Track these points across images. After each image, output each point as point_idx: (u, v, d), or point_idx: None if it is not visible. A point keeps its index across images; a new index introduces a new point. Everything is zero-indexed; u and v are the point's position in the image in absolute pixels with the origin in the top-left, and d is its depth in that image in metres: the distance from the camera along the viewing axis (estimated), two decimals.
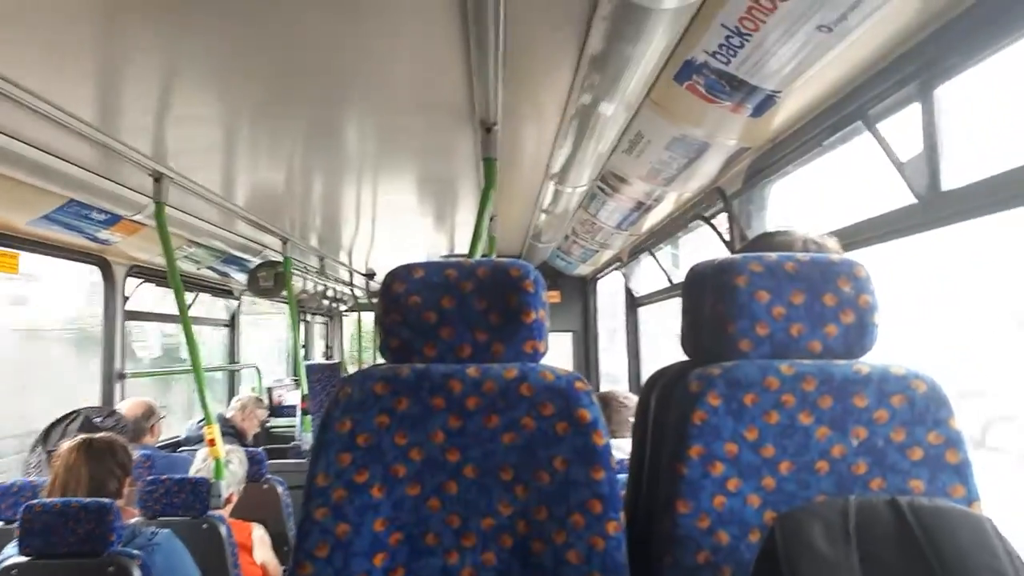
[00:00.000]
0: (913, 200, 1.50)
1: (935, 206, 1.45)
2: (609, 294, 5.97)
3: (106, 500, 2.08)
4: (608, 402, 2.64)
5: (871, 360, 1.18)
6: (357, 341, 8.42)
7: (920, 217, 1.50)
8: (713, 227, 2.68)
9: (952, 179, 1.41)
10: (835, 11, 1.33)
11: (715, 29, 1.55)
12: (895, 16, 1.34)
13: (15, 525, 2.06)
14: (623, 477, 1.42)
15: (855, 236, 1.73)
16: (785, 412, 1.14)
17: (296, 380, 5.09)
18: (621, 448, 2.13)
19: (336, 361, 6.55)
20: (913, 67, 1.44)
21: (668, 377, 1.31)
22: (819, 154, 1.94)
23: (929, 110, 1.44)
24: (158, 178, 2.74)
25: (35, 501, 2.07)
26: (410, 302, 1.23)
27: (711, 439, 1.14)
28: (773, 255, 1.21)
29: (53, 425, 3.06)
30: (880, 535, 0.86)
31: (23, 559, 2.03)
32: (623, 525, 1.17)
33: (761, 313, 1.17)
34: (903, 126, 1.54)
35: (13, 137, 2.26)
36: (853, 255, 1.35)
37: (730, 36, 1.54)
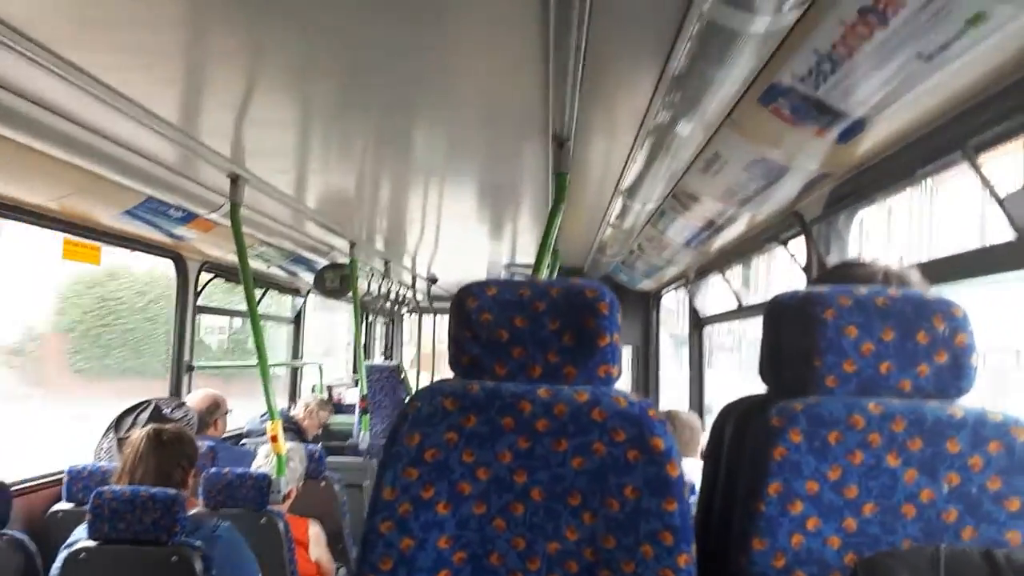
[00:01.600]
0: (1012, 236, 1.42)
1: None
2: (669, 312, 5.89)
3: (173, 491, 2.13)
4: (672, 422, 2.59)
5: (966, 403, 1.13)
6: (416, 345, 8.49)
7: (1021, 254, 1.42)
8: (789, 252, 2.61)
9: None
10: (937, 40, 1.27)
11: (805, 54, 1.50)
12: (1002, 46, 1.27)
13: (86, 507, 2.13)
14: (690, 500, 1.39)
15: (946, 269, 1.66)
16: (871, 452, 1.09)
17: (356, 379, 5.16)
18: (687, 470, 2.08)
19: (395, 363, 6.62)
20: (1020, 98, 1.37)
21: (744, 408, 1.28)
22: (909, 183, 1.86)
23: None
24: (235, 179, 2.81)
25: (105, 487, 2.14)
26: (482, 319, 1.23)
27: (791, 476, 1.10)
28: (863, 288, 1.16)
29: (125, 413, 3.16)
30: None
31: (92, 543, 2.10)
32: (694, 558, 1.14)
33: (849, 349, 1.13)
34: (1005, 160, 1.47)
35: (101, 135, 2.34)
36: (943, 290, 1.28)
37: (821, 62, 1.49)
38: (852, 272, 1.34)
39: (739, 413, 1.29)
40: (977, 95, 1.46)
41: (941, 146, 1.61)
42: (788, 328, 1.18)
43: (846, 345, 1.13)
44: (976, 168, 1.51)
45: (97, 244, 3.22)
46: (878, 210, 2.11)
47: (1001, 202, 1.44)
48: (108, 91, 1.94)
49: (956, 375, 1.12)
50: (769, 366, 1.23)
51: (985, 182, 1.49)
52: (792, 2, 1.29)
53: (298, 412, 4.76)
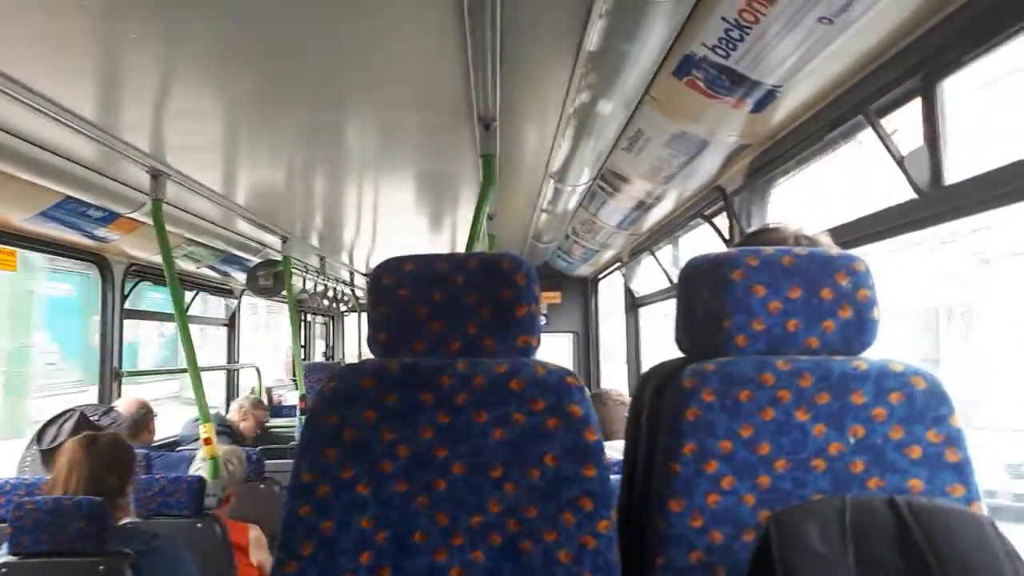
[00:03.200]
0: (914, 195, 1.48)
1: (937, 201, 1.42)
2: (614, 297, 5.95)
3: (98, 498, 2.05)
4: (604, 401, 2.61)
5: (870, 356, 1.16)
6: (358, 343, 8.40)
7: (922, 212, 1.48)
8: (713, 225, 2.66)
9: (954, 174, 1.39)
10: (837, 2, 1.31)
11: (714, 22, 1.53)
12: (897, 8, 1.32)
13: (6, 524, 2.04)
14: (617, 478, 1.40)
15: (856, 232, 1.71)
16: (781, 409, 1.11)
17: (295, 380, 5.07)
18: (616, 448, 2.10)
19: (336, 361, 6.53)
20: (915, 60, 1.41)
21: (662, 374, 1.29)
22: (820, 150, 1.92)
23: (931, 104, 1.42)
24: (156, 175, 2.73)
25: (26, 499, 2.05)
26: (399, 295, 1.21)
27: (705, 436, 1.11)
28: (770, 249, 1.18)
29: (49, 423, 3.04)
30: (877, 535, 0.84)
31: (13, 559, 2.01)
32: (615, 524, 1.14)
33: (757, 308, 1.15)
34: (905, 121, 1.52)
35: (9, 132, 2.25)
36: (856, 252, 1.32)
37: (730, 29, 1.52)
38: (765, 237, 1.37)
39: (657, 378, 1.30)
40: (876, 58, 1.51)
41: (846, 111, 1.66)
42: (699, 291, 1.19)
43: (754, 304, 1.15)
44: (878, 131, 1.56)
45: (12, 249, 3.08)
46: (796, 178, 2.16)
47: (901, 163, 1.49)
48: (13, 84, 1.86)
49: (860, 330, 1.15)
50: (684, 330, 1.25)
51: (887, 144, 1.54)
52: None
53: (232, 414, 4.64)
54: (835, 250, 1.23)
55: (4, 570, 2.00)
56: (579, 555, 1.12)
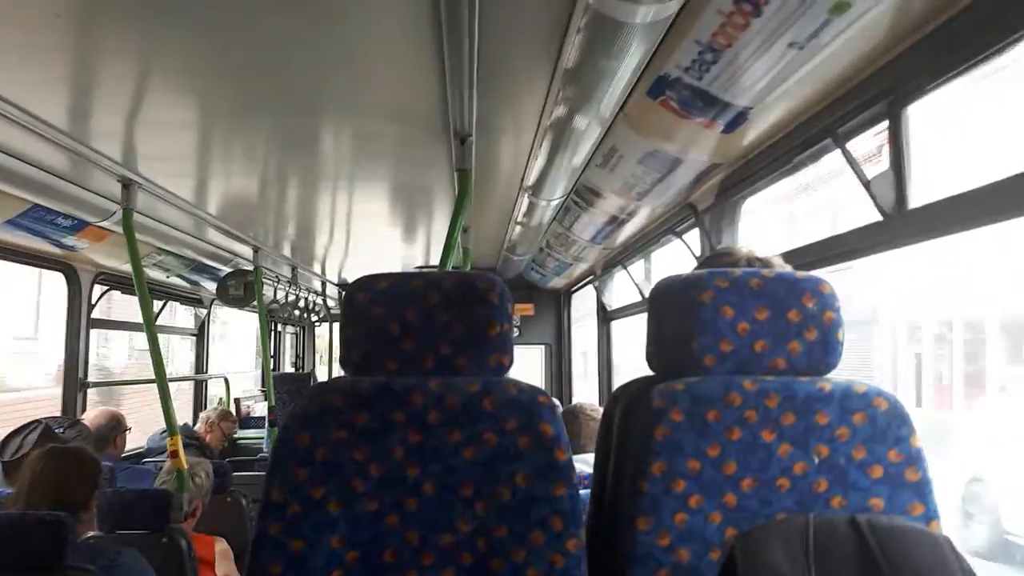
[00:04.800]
0: (879, 218, 1.51)
1: (901, 224, 1.46)
2: (587, 309, 5.98)
3: (61, 513, 2.01)
4: (576, 416, 2.62)
5: (835, 378, 1.18)
6: (328, 354, 8.33)
7: (886, 234, 1.51)
8: (684, 242, 2.69)
9: (919, 197, 1.43)
10: (807, 29, 1.34)
11: (688, 45, 1.55)
12: (866, 35, 1.35)
13: None
14: (587, 493, 1.40)
15: (822, 253, 1.74)
16: (747, 429, 1.13)
17: (264, 391, 5.01)
18: (587, 462, 2.11)
19: (307, 372, 6.47)
20: (882, 86, 1.45)
21: (632, 392, 1.30)
22: (791, 171, 1.95)
23: (896, 128, 1.45)
24: (127, 184, 2.70)
25: None
26: (373, 313, 1.21)
27: (674, 455, 1.12)
28: (739, 271, 1.20)
29: (12, 435, 2.98)
30: (839, 554, 0.86)
31: None
32: (583, 542, 1.15)
33: (725, 329, 1.16)
34: (871, 144, 1.55)
35: None
36: (822, 273, 1.35)
37: (703, 52, 1.55)
38: (721, 260, 1.40)
39: (628, 397, 1.31)
40: (844, 84, 1.54)
41: (815, 134, 1.70)
42: (670, 311, 1.21)
43: (722, 325, 1.16)
44: (845, 153, 1.59)
45: None
46: (766, 197, 2.20)
47: (867, 185, 1.52)
48: None
49: (825, 351, 1.17)
50: (654, 349, 1.26)
51: (853, 167, 1.57)
52: None
53: (199, 426, 4.57)
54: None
55: None
56: (548, 573, 1.13)
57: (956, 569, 0.83)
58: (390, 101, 2.10)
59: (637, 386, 1.32)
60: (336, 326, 7.67)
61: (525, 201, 3.14)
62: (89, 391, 3.86)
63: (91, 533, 2.43)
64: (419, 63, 1.76)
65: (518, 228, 3.75)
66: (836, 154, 1.66)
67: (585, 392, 5.88)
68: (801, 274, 1.21)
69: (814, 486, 1.13)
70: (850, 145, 1.61)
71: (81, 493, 2.18)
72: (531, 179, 2.77)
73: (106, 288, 4.02)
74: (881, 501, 1.12)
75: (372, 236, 4.47)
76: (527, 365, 5.93)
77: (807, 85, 1.57)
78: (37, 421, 3.02)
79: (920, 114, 1.45)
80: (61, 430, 3.03)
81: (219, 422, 4.59)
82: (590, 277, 4.80)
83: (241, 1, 1.46)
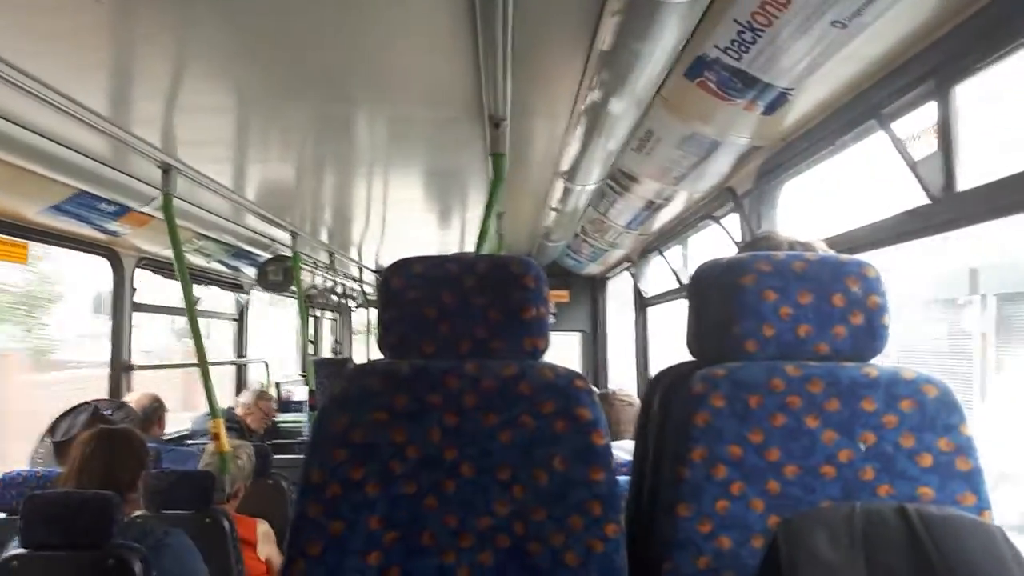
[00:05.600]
0: (927, 201, 1.47)
1: (950, 207, 1.42)
2: (618, 293, 5.94)
3: (108, 492, 2.06)
4: (611, 402, 2.61)
5: (881, 363, 1.16)
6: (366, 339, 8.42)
7: (934, 218, 1.47)
8: (723, 227, 2.65)
9: (968, 180, 1.38)
10: (850, 6, 1.30)
11: (727, 24, 1.52)
12: (911, 12, 1.31)
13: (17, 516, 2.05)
14: (625, 479, 1.40)
15: (867, 238, 1.70)
16: (791, 415, 1.11)
17: (304, 376, 5.08)
18: (624, 448, 2.10)
19: (345, 357, 6.54)
20: (929, 65, 1.41)
21: (672, 377, 1.29)
22: (832, 153, 1.91)
23: (945, 109, 1.41)
24: (167, 169, 2.74)
25: (37, 492, 2.06)
26: (409, 297, 1.22)
27: (714, 441, 1.11)
28: (781, 254, 1.18)
29: (62, 416, 3.06)
30: (887, 543, 0.84)
31: (23, 551, 2.03)
32: (623, 527, 1.14)
33: (768, 313, 1.14)
34: (919, 125, 1.51)
35: (22, 126, 2.25)
36: (867, 257, 1.32)
37: (742, 31, 1.52)
38: (762, 245, 1.38)
39: (667, 382, 1.30)
40: (889, 63, 1.50)
41: (858, 115, 1.65)
42: (710, 296, 1.19)
43: (765, 310, 1.15)
44: (891, 135, 1.55)
45: (24, 242, 3.10)
46: (807, 179, 2.16)
47: (914, 167, 1.48)
48: (27, 78, 1.86)
49: (870, 336, 1.15)
50: (694, 334, 1.25)
51: (900, 149, 1.53)
52: None
53: (238, 409, 4.63)
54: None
55: (15, 562, 2.01)
56: (586, 558, 1.12)
57: (1010, 561, 0.81)
58: (425, 86, 2.10)
59: (677, 371, 1.31)
60: (373, 312, 7.76)
61: (560, 186, 3.12)
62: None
63: (138, 512, 2.50)
64: (453, 47, 1.76)
65: (553, 214, 3.74)
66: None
67: (622, 380, 5.85)
68: (845, 257, 1.18)
69: (860, 474, 1.11)
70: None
71: (129, 474, 2.24)
72: (566, 164, 2.75)
73: (149, 272, 4.10)
74: (931, 490, 1.10)
75: (407, 222, 4.49)
76: (563, 352, 5.92)
77: (850, 65, 1.53)
78: (86, 403, 3.10)
79: (969, 94, 1.40)
80: (109, 412, 3.11)
81: (256, 402, 4.63)
82: (626, 264, 4.77)
83: None
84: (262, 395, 4.77)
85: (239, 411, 4.59)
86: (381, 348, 1.25)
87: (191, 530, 2.39)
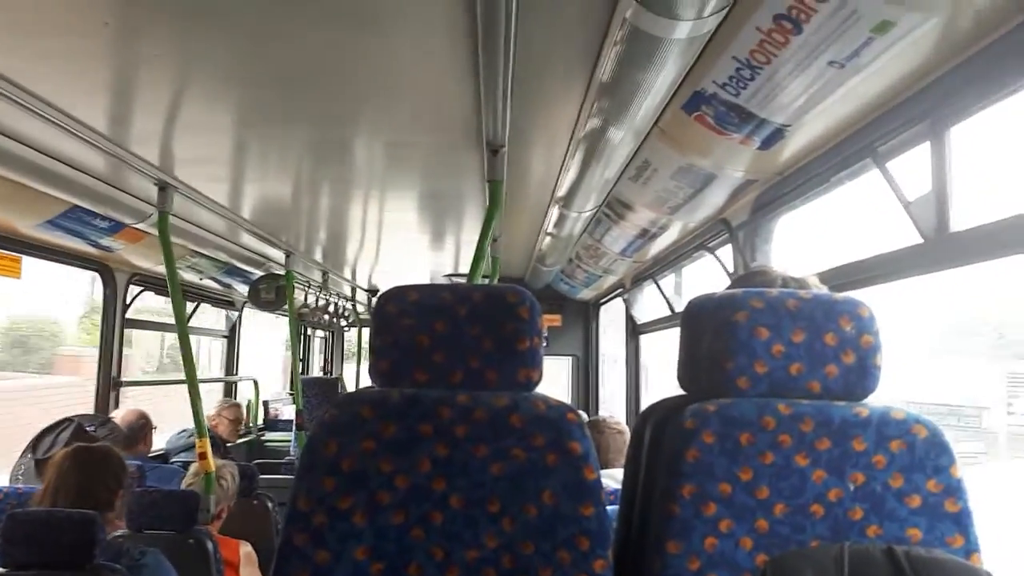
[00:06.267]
0: (920, 240, 1.48)
1: (942, 247, 1.43)
2: (609, 321, 5.94)
3: (91, 511, 2.04)
4: (601, 429, 2.60)
5: (872, 403, 1.16)
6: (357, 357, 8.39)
7: (927, 257, 1.48)
8: (717, 258, 2.66)
9: (961, 221, 1.39)
10: (848, 48, 1.32)
11: (726, 61, 1.54)
12: (908, 54, 1.33)
13: None
14: (615, 508, 1.39)
15: (859, 274, 1.71)
16: (781, 453, 1.11)
17: (292, 394, 5.05)
18: (613, 477, 2.09)
19: (335, 376, 6.51)
20: (925, 106, 1.42)
21: (663, 411, 1.29)
22: (827, 189, 1.92)
23: (940, 150, 1.42)
24: (163, 187, 2.74)
25: (19, 510, 2.03)
26: (403, 324, 1.21)
27: (704, 478, 1.11)
28: (775, 291, 1.18)
29: (44, 432, 3.02)
30: None
31: (2, 570, 1.99)
32: (611, 563, 1.13)
33: (760, 350, 1.14)
34: (913, 165, 1.52)
35: (20, 141, 2.25)
36: (859, 294, 1.32)
37: (741, 68, 1.53)
38: (755, 280, 1.38)
39: (658, 416, 1.30)
40: (885, 103, 1.51)
41: (854, 152, 1.67)
42: (703, 330, 1.19)
43: (757, 347, 1.15)
44: (885, 173, 1.56)
45: (17, 256, 3.09)
46: (801, 215, 2.17)
47: (908, 207, 1.49)
48: (29, 96, 1.87)
49: (862, 375, 1.15)
50: (686, 368, 1.25)
51: (893, 187, 1.54)
52: (712, 8, 1.32)
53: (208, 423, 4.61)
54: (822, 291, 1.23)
55: None
56: None
57: None
58: (424, 111, 2.11)
59: (668, 405, 1.30)
60: (365, 331, 7.74)
61: (556, 212, 3.13)
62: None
63: (118, 532, 2.46)
64: (454, 74, 1.77)
65: (548, 239, 3.75)
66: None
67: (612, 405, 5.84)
68: (839, 296, 1.19)
69: (849, 514, 1.10)
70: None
71: (106, 493, 2.20)
72: (562, 191, 2.76)
73: (141, 289, 4.09)
74: (919, 532, 1.09)
75: (402, 243, 4.49)
76: (553, 377, 5.91)
77: (847, 103, 1.54)
78: (69, 419, 3.06)
79: (964, 136, 1.42)
80: (93, 428, 3.07)
81: (221, 411, 4.63)
82: (619, 290, 4.78)
83: (279, 12, 1.48)
84: (226, 403, 4.77)
85: (208, 423, 4.56)
86: (372, 375, 1.24)
87: (174, 551, 2.36)
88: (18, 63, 1.71)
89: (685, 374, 1.25)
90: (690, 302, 1.24)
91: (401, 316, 1.22)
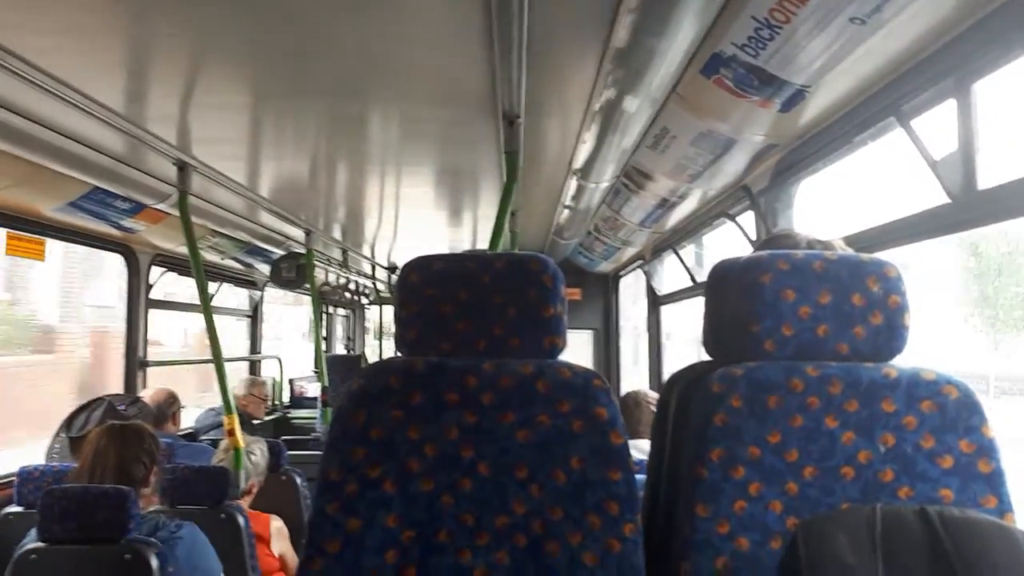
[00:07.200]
0: (946, 200, 1.45)
1: (970, 206, 1.40)
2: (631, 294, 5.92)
3: (125, 487, 2.08)
4: (638, 402, 2.60)
5: (901, 363, 1.15)
6: (378, 335, 8.44)
7: (954, 217, 1.45)
8: (739, 225, 2.64)
9: (988, 178, 1.37)
10: (869, 3, 1.29)
11: (744, 21, 1.51)
12: (931, 8, 1.29)
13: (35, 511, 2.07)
14: (642, 478, 1.39)
15: (886, 236, 1.69)
16: (810, 415, 1.10)
17: (317, 372, 5.10)
18: (639, 448, 2.10)
19: (357, 354, 6.56)
20: (949, 62, 1.39)
21: (689, 377, 1.28)
22: (850, 151, 1.89)
23: (965, 107, 1.39)
24: (182, 167, 2.76)
25: (55, 487, 2.08)
26: (427, 294, 1.22)
27: (732, 442, 1.10)
28: (800, 253, 1.17)
29: (77, 411, 3.09)
30: (908, 546, 0.83)
31: (42, 544, 2.05)
32: (640, 527, 1.14)
33: (787, 313, 1.14)
34: (938, 123, 1.49)
35: (39, 123, 2.27)
36: (885, 255, 1.31)
37: (759, 28, 1.50)
38: (780, 243, 1.37)
39: (684, 382, 1.29)
40: (908, 60, 1.48)
41: (876, 112, 1.64)
42: (728, 294, 1.18)
43: (784, 309, 1.14)
44: (910, 133, 1.53)
45: (41, 238, 3.12)
46: (824, 178, 2.14)
47: (934, 166, 1.47)
48: (45, 76, 1.88)
49: (890, 336, 1.14)
50: (711, 333, 1.24)
51: (919, 147, 1.52)
52: None
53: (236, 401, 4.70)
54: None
55: (33, 556, 2.03)
56: (604, 558, 1.12)
57: None
58: (439, 83, 2.10)
59: (694, 371, 1.30)
60: (386, 308, 7.79)
61: (573, 184, 3.11)
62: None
63: (153, 507, 2.51)
64: (468, 45, 1.76)
65: (566, 211, 3.73)
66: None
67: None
68: (865, 257, 1.17)
69: (880, 475, 1.10)
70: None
71: (141, 469, 2.25)
72: (579, 161, 2.74)
73: (164, 269, 4.13)
74: (951, 492, 1.09)
75: (420, 219, 4.50)
76: (574, 350, 5.91)
77: (869, 62, 1.51)
78: (100, 399, 3.12)
79: (989, 92, 1.39)
80: (123, 407, 3.13)
81: (249, 390, 4.73)
82: (639, 261, 4.75)
83: None
84: (254, 383, 4.88)
85: (236, 402, 4.64)
86: (398, 345, 1.25)
87: (206, 526, 2.40)
88: (31, 40, 1.71)
89: (711, 339, 1.24)
90: (715, 266, 1.23)
91: (425, 286, 1.22)
